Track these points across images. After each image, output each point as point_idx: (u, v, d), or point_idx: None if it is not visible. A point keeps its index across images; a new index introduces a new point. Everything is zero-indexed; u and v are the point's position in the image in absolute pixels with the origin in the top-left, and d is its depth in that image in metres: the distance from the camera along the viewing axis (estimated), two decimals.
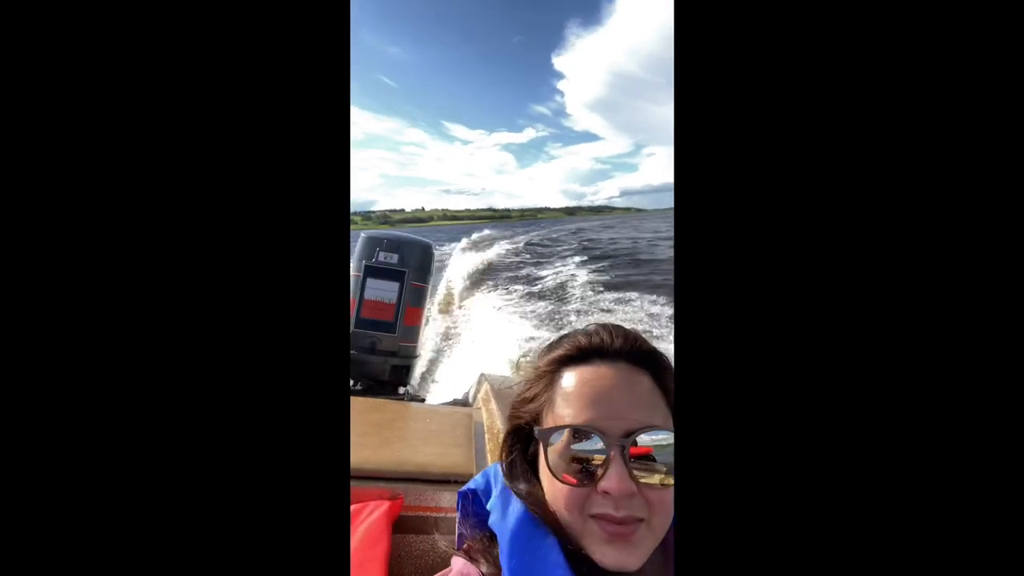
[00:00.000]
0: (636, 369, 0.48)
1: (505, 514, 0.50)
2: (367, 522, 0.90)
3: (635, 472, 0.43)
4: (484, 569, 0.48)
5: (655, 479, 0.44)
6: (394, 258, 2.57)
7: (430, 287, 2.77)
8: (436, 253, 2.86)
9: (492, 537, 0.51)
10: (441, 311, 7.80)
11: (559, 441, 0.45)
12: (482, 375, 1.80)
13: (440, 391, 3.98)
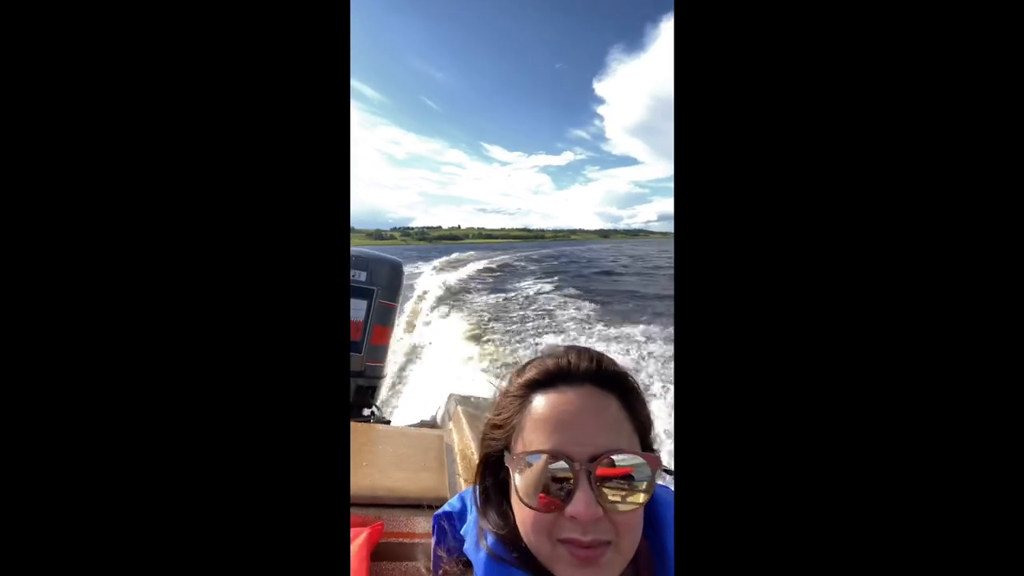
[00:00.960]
0: (603, 392, 0.49)
1: (478, 541, 0.50)
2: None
3: (602, 495, 0.44)
4: None
5: (621, 502, 0.45)
6: (362, 276, 2.52)
7: (399, 306, 2.73)
8: (407, 271, 2.84)
9: (468, 563, 0.51)
10: (407, 329, 7.67)
11: (527, 467, 0.46)
12: (451, 395, 1.78)
13: (404, 412, 3.88)
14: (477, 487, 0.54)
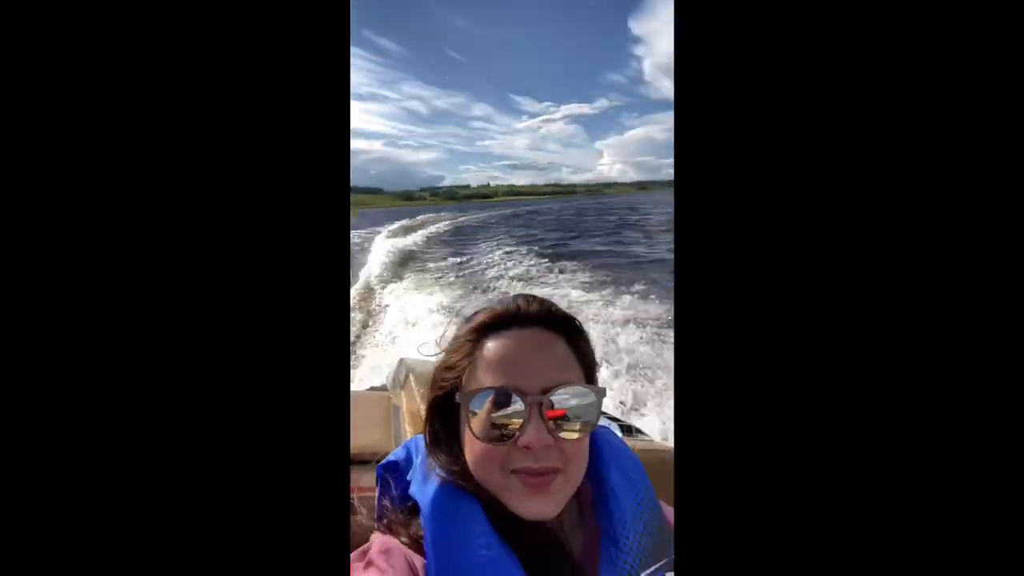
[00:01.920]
0: (550, 333, 0.52)
1: (427, 481, 0.52)
2: None
3: (551, 425, 0.47)
4: (404, 540, 0.50)
5: (570, 431, 0.48)
6: None
7: (349, 275, 2.67)
8: (359, 239, 2.75)
9: (412, 509, 0.52)
10: (361, 300, 7.52)
11: (480, 403, 0.48)
12: (401, 360, 1.80)
13: (359, 382, 3.87)
14: (426, 430, 0.56)
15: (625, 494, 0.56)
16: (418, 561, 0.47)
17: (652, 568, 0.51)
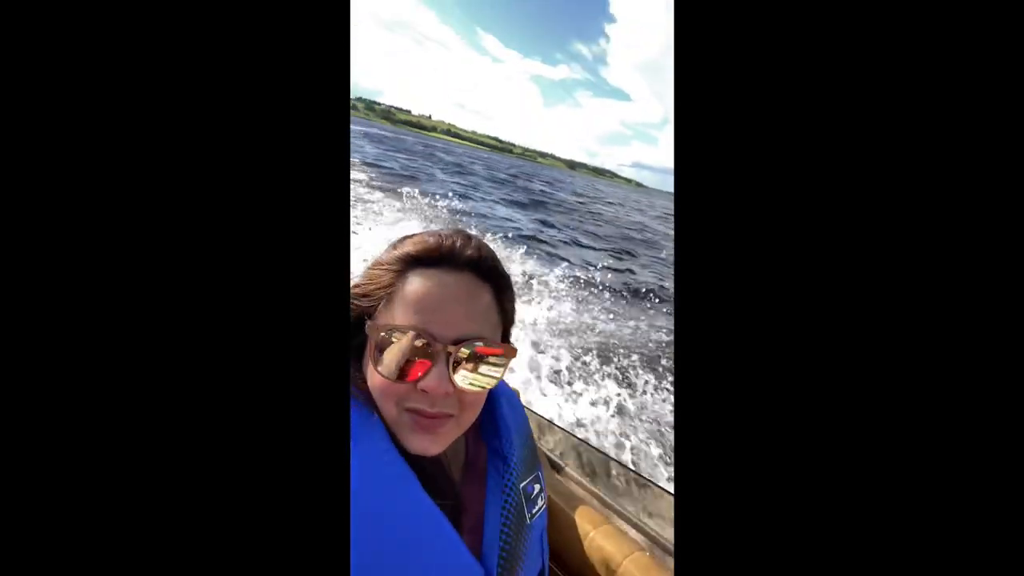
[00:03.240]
0: (480, 282, 0.49)
1: None
2: None
3: (455, 374, 0.47)
4: None
5: (472, 384, 0.48)
6: None
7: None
8: None
9: None
10: None
11: (389, 340, 0.46)
12: None
13: None
14: None
15: (512, 420, 0.62)
16: None
17: (528, 480, 0.59)
